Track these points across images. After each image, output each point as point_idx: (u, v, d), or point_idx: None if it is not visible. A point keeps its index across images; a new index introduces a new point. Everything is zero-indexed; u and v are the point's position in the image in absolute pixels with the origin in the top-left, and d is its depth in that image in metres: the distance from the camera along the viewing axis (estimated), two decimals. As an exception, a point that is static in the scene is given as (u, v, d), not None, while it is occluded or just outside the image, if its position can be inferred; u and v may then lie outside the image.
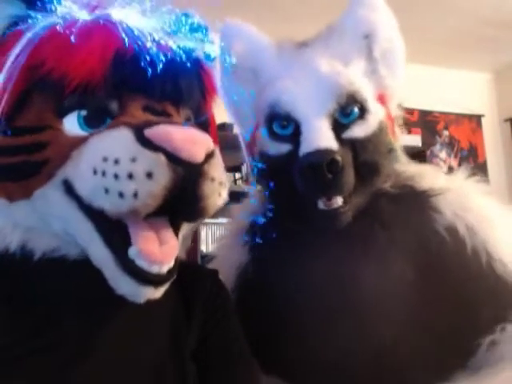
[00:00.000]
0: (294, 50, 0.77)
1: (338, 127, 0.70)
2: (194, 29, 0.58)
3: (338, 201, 0.67)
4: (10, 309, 0.50)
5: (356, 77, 0.72)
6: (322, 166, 0.63)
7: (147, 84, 0.52)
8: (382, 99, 0.76)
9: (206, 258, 0.85)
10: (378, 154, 0.71)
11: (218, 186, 0.49)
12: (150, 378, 0.53)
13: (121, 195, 0.44)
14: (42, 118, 0.50)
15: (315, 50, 0.75)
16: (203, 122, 0.60)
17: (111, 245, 0.48)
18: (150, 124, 0.47)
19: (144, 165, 0.44)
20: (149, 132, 0.45)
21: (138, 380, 0.52)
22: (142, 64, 0.50)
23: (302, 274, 0.71)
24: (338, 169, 0.64)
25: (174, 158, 0.44)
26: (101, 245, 0.48)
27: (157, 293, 0.49)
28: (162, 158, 0.44)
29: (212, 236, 2.99)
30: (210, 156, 0.48)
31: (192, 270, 0.64)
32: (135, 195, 0.44)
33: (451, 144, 4.11)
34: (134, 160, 0.44)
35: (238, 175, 3.05)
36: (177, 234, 0.52)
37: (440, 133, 4.08)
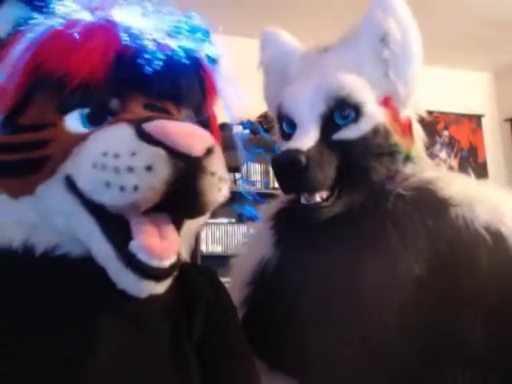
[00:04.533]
0: (314, 55, 0.81)
1: (332, 129, 0.73)
2: (195, 30, 0.58)
3: (317, 197, 0.71)
4: (10, 305, 0.50)
5: (351, 81, 0.74)
6: (282, 164, 0.69)
7: (147, 83, 0.52)
8: (386, 103, 0.76)
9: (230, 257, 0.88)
10: (367, 157, 0.73)
11: (217, 180, 0.50)
12: (150, 377, 0.53)
13: (121, 189, 0.45)
14: (44, 116, 0.51)
15: (331, 54, 0.79)
16: (203, 121, 0.60)
17: (112, 239, 0.48)
18: (149, 119, 0.47)
19: (144, 158, 0.45)
20: (148, 126, 0.46)
21: (138, 379, 0.52)
22: (142, 63, 0.51)
23: (314, 271, 0.71)
24: (299, 168, 0.68)
25: (173, 152, 0.45)
26: (102, 239, 0.48)
27: (159, 287, 0.49)
28: (161, 151, 0.45)
29: (212, 236, 2.99)
30: (209, 151, 0.48)
31: (192, 271, 0.64)
32: (135, 188, 0.45)
33: (451, 144, 4.12)
34: (133, 154, 0.45)
35: (238, 175, 3.06)
36: (178, 231, 0.53)
37: (440, 133, 4.09)
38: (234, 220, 2.99)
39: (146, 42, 0.52)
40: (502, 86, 4.28)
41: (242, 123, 2.78)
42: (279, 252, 0.77)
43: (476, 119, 4.23)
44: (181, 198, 0.47)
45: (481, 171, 3.93)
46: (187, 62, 0.55)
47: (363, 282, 0.68)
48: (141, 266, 0.47)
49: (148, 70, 0.51)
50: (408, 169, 0.77)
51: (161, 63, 0.52)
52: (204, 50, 0.59)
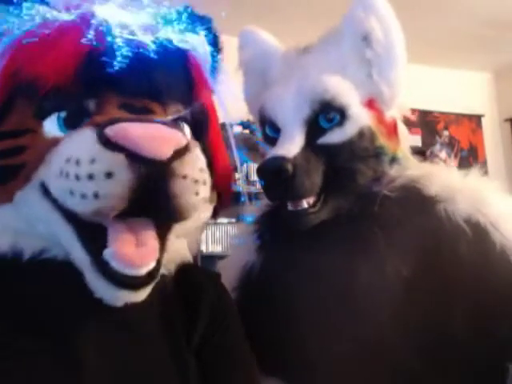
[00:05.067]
0: (295, 55, 0.79)
1: (317, 133, 0.72)
2: (177, 20, 0.57)
3: (303, 203, 0.70)
4: (1, 307, 0.50)
5: (335, 84, 0.73)
6: (269, 172, 0.68)
7: (120, 81, 0.50)
8: (371, 104, 0.75)
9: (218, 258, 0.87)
10: (353, 160, 0.72)
11: (191, 183, 0.47)
12: (142, 377, 0.52)
13: (83, 196, 0.44)
14: (23, 122, 0.50)
15: (314, 55, 0.77)
16: (199, 114, 0.58)
17: (88, 247, 0.47)
18: (113, 122, 0.45)
19: (103, 165, 0.43)
20: (110, 130, 0.44)
21: (130, 380, 0.51)
22: (109, 61, 0.49)
23: (303, 274, 0.71)
24: (286, 176, 0.66)
25: (135, 157, 0.43)
26: (79, 246, 0.48)
27: (137, 296, 0.47)
28: (121, 157, 0.43)
29: (212, 236, 2.99)
30: (180, 153, 0.45)
31: (194, 271, 0.64)
32: (96, 196, 0.43)
33: (451, 144, 4.12)
34: (93, 160, 0.44)
35: (238, 175, 3.06)
36: (165, 236, 0.51)
37: (440, 133, 4.09)
38: (233, 220, 2.99)
39: (116, 39, 0.50)
40: (502, 86, 4.28)
41: (241, 123, 2.78)
42: (263, 256, 0.76)
43: (476, 119, 4.23)
44: (152, 202, 0.45)
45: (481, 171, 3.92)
46: (166, 56, 0.52)
47: (354, 284, 0.68)
48: (115, 275, 0.45)
49: (113, 68, 0.49)
50: (394, 170, 0.76)
51: (126, 60, 0.50)
52: (188, 40, 0.56)
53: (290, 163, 0.67)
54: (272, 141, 0.76)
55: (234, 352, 0.61)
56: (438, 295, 0.67)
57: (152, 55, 0.51)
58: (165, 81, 0.53)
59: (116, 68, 0.49)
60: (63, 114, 0.50)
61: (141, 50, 0.51)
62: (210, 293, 0.62)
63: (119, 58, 0.49)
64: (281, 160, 0.67)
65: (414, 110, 3.75)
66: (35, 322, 0.50)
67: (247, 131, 2.88)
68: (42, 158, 0.48)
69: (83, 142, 0.45)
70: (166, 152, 0.44)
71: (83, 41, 0.49)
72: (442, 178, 0.76)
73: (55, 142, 0.48)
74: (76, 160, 0.44)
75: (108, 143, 0.44)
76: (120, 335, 0.53)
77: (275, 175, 0.67)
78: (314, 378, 0.69)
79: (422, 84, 3.34)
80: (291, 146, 0.70)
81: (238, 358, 0.61)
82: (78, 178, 0.44)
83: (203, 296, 0.61)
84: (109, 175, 0.43)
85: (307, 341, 0.69)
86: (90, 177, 0.43)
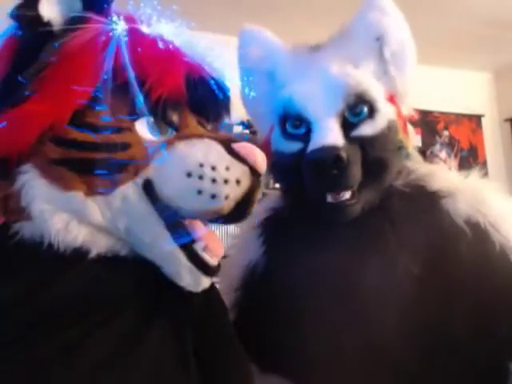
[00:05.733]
0: (307, 53, 0.81)
1: (348, 126, 0.72)
2: (215, 51, 0.63)
3: (346, 194, 0.70)
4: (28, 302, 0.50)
5: (365, 78, 0.74)
6: (326, 161, 0.67)
7: (203, 102, 0.59)
8: (392, 99, 0.78)
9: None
10: (386, 152, 0.73)
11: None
12: (151, 376, 0.53)
13: (213, 197, 0.51)
14: (120, 119, 0.54)
15: (327, 53, 0.78)
16: None
17: (180, 241, 0.54)
18: (232, 140, 0.54)
19: (236, 173, 0.52)
20: (237, 146, 0.53)
21: (140, 379, 0.52)
22: (213, 86, 0.59)
23: (313, 269, 0.72)
24: (342, 165, 0.66)
25: (252, 170, 0.53)
26: (170, 240, 0.54)
27: (209, 282, 0.57)
28: (246, 168, 0.53)
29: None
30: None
31: None
32: (226, 198, 0.51)
33: (451, 144, 4.11)
34: (228, 168, 0.52)
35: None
36: None
37: (440, 133, 4.09)
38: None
39: (210, 68, 0.59)
40: (502, 86, 4.27)
41: (241, 123, 2.77)
42: (268, 255, 0.77)
43: (476, 119, 4.22)
44: (239, 207, 0.53)
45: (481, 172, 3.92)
46: (226, 86, 0.62)
47: (361, 284, 0.68)
48: (204, 265, 0.54)
49: (216, 91, 0.59)
50: (409, 164, 0.79)
51: (222, 85, 0.60)
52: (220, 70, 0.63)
53: (343, 151, 0.67)
54: (292, 137, 0.76)
55: (229, 349, 0.63)
56: (443, 294, 0.67)
57: (221, 81, 0.61)
58: (224, 106, 0.63)
59: (220, 95, 0.60)
60: (151, 119, 0.55)
61: (220, 79, 0.61)
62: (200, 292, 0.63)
63: (220, 87, 0.60)
64: (334, 149, 0.67)
65: (413, 110, 3.75)
66: (62, 310, 0.50)
67: (247, 131, 2.87)
68: (150, 157, 0.53)
69: (215, 151, 0.53)
70: (265, 167, 0.55)
71: (189, 63, 0.57)
72: (444, 177, 0.77)
73: (157, 143, 0.54)
74: (212, 166, 0.52)
75: (237, 156, 0.53)
76: (141, 334, 0.54)
77: (332, 164, 0.67)
78: (317, 377, 0.69)
79: (422, 84, 3.33)
80: (334, 136, 0.70)
81: (234, 356, 0.63)
82: (214, 181, 0.51)
83: (193, 295, 0.62)
84: (238, 182, 0.52)
85: (312, 340, 0.69)
86: (226, 181, 0.52)
